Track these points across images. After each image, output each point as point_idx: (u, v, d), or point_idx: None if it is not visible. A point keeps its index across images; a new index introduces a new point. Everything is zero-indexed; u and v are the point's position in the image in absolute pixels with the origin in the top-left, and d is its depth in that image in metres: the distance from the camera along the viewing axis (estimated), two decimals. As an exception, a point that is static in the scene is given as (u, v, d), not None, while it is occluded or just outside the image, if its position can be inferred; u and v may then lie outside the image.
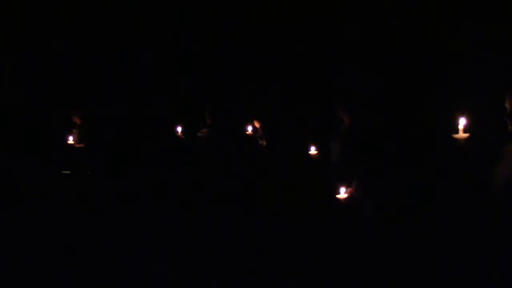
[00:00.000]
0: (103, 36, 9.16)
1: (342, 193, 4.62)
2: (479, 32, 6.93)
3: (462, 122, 4.38)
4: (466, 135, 4.38)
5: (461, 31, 7.11)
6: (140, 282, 4.57)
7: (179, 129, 7.23)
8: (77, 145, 7.58)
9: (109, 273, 4.68)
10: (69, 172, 7.49)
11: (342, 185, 4.64)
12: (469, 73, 6.72)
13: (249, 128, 7.03)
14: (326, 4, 8.17)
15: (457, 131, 4.40)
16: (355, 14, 7.99)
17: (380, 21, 7.80)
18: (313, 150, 5.72)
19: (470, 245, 4.23)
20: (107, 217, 6.03)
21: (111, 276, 4.64)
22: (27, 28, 9.21)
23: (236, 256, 4.85)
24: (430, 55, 7.29)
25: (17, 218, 6.02)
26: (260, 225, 5.43)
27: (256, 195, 6.02)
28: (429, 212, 4.75)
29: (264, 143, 6.97)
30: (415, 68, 7.31)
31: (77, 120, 7.91)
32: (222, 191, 6.21)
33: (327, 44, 8.14)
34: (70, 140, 7.55)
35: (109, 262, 4.88)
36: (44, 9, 9.16)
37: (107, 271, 4.72)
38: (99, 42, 9.18)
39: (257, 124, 7.18)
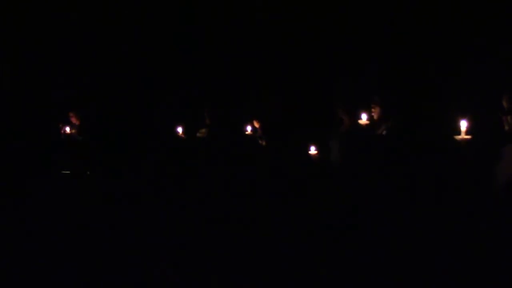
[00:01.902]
0: (104, 35, 9.16)
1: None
2: (481, 34, 6.94)
3: (464, 124, 4.39)
4: (468, 137, 4.39)
5: (463, 33, 7.11)
6: (140, 282, 4.57)
7: (179, 129, 7.24)
8: (75, 145, 7.60)
9: (109, 273, 4.68)
10: (69, 172, 7.49)
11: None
12: (471, 74, 6.73)
13: (249, 128, 7.02)
14: (326, 4, 8.18)
15: (459, 133, 4.41)
16: (355, 14, 7.99)
17: (381, 21, 7.80)
18: (313, 150, 5.73)
19: (471, 244, 4.23)
20: (107, 217, 6.03)
21: (111, 276, 4.64)
22: (27, 28, 9.21)
23: (236, 256, 4.85)
24: (432, 56, 7.29)
25: (16, 218, 6.02)
26: (260, 224, 5.43)
27: (256, 194, 6.03)
28: (430, 212, 4.75)
29: (264, 143, 6.97)
30: (417, 69, 7.32)
31: (76, 121, 7.92)
32: (221, 191, 6.21)
33: (327, 44, 8.14)
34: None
35: (109, 262, 4.88)
36: (44, 8, 9.17)
37: (107, 271, 4.72)
38: (100, 42, 9.18)
39: (256, 124, 7.18)
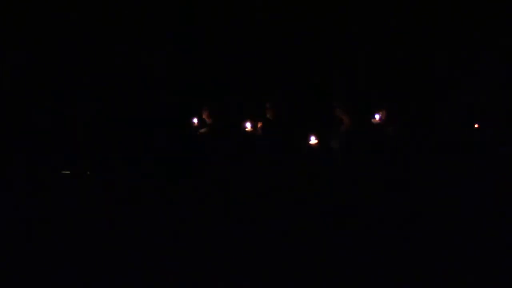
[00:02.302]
0: (104, 35, 9.16)
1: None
2: (489, 34, 6.93)
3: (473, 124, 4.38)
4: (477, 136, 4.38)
5: (467, 33, 7.11)
6: (140, 282, 4.56)
7: (195, 120, 7.29)
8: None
9: (109, 273, 4.67)
10: (69, 172, 7.49)
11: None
12: (478, 75, 6.72)
13: (248, 125, 7.01)
14: (327, 3, 8.17)
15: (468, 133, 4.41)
16: (356, 14, 7.99)
17: (382, 20, 7.80)
18: (313, 140, 5.74)
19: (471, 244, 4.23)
20: (107, 217, 6.02)
21: (111, 276, 4.64)
22: (27, 28, 9.21)
23: (237, 254, 4.85)
24: (437, 56, 7.29)
25: (17, 218, 6.02)
26: (262, 223, 5.43)
27: (257, 192, 6.03)
28: (434, 213, 4.76)
29: (264, 142, 6.97)
30: (421, 69, 7.31)
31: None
32: (222, 189, 6.22)
33: (327, 44, 8.14)
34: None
35: (109, 262, 4.88)
36: (46, 8, 9.16)
37: (107, 271, 4.71)
38: (100, 42, 9.17)
39: (256, 123, 7.17)
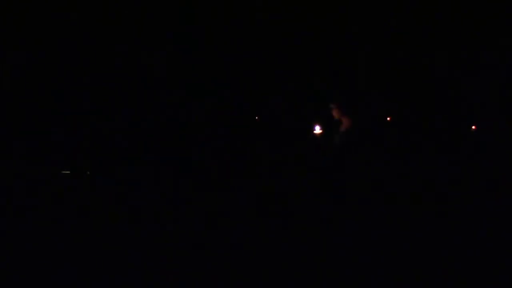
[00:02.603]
0: (104, 35, 9.16)
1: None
2: (489, 34, 6.94)
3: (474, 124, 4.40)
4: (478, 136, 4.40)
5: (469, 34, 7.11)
6: (140, 282, 4.56)
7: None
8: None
9: (109, 274, 4.67)
10: (69, 172, 7.49)
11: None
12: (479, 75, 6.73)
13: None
14: (327, 4, 8.18)
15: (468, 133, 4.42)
16: (356, 14, 8.00)
17: (382, 20, 7.81)
18: (318, 130, 5.75)
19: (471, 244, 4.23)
20: (107, 217, 6.02)
21: (111, 276, 4.64)
22: (27, 28, 9.21)
23: (237, 254, 4.85)
24: (435, 55, 7.29)
25: (17, 218, 6.02)
26: (261, 223, 5.43)
27: (256, 192, 6.03)
28: (434, 213, 4.76)
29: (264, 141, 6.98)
30: (418, 68, 7.32)
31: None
32: (221, 189, 6.22)
33: (327, 44, 8.15)
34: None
35: (109, 262, 4.88)
36: (46, 8, 9.17)
37: (107, 271, 4.72)
38: (100, 42, 9.18)
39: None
